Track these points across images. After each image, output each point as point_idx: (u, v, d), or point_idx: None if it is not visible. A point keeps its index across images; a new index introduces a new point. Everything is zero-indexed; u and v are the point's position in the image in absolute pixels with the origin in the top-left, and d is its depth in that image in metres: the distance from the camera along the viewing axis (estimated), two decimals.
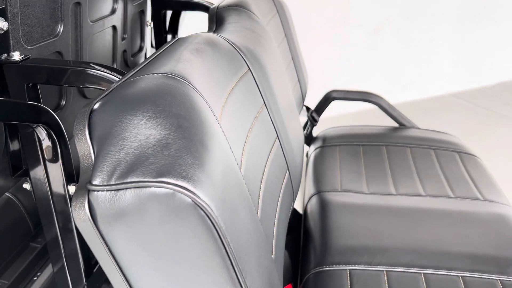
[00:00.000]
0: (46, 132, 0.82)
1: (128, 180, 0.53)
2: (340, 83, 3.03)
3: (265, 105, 1.00)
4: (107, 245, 0.55)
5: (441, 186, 1.43)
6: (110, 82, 0.77)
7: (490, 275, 1.09)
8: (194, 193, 0.52)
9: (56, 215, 0.92)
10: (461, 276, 1.09)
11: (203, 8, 1.48)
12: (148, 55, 1.57)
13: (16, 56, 0.80)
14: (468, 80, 4.23)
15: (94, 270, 1.03)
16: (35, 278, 1.14)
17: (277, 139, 1.04)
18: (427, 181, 1.45)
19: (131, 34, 1.39)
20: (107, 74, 0.77)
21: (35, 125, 0.80)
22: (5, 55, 0.81)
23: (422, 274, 1.09)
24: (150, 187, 0.52)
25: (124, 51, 1.34)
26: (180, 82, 0.65)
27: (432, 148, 1.63)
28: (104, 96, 0.61)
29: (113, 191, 0.53)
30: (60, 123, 0.83)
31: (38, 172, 0.87)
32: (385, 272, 1.10)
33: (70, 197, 0.91)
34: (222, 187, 0.59)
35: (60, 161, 0.85)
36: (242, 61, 0.95)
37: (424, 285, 1.06)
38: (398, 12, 3.67)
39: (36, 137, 0.84)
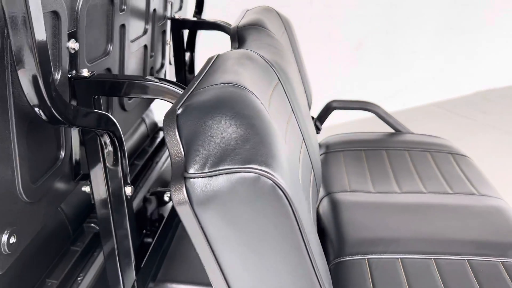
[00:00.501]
0: (110, 139, 0.93)
1: (220, 167, 0.65)
2: (327, 95, 3.19)
3: (293, 112, 1.14)
4: (199, 223, 0.67)
5: (440, 184, 1.58)
6: (175, 94, 0.89)
7: (492, 258, 1.23)
8: (274, 177, 0.65)
9: (113, 214, 1.02)
10: (467, 260, 1.22)
11: (218, 27, 1.62)
12: (167, 72, 1.69)
13: (85, 72, 0.92)
14: (447, 90, 4.45)
15: (141, 265, 1.13)
16: (79, 279, 1.23)
17: (303, 142, 1.17)
18: (427, 180, 1.60)
19: (155, 52, 1.51)
20: (173, 88, 0.89)
21: (102, 132, 0.92)
22: (74, 72, 0.92)
23: (432, 259, 1.23)
24: (239, 172, 0.64)
25: (151, 67, 1.46)
26: (243, 89, 0.78)
27: (428, 150, 1.79)
28: (182, 104, 0.73)
29: (207, 177, 0.65)
30: (121, 132, 0.95)
31: (98, 175, 0.98)
32: (399, 259, 1.23)
33: (127, 198, 1.02)
34: (289, 174, 0.71)
35: (119, 165, 0.96)
36: (274, 73, 1.09)
37: (436, 269, 1.20)
38: (380, 27, 3.88)
39: (99, 144, 0.95)
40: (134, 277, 1.09)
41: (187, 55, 1.64)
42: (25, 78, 0.69)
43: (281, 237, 0.67)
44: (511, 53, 4.82)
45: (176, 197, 0.66)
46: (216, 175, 0.65)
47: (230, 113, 0.70)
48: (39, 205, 0.85)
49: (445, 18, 4.30)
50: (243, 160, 0.65)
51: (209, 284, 0.75)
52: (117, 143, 0.94)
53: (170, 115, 0.72)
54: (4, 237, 0.75)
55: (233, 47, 1.31)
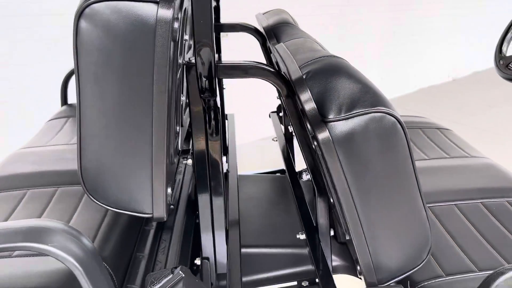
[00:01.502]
0: (214, 114, 1.09)
1: (354, 111, 0.86)
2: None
3: None
4: (338, 159, 0.87)
5: (437, 151, 1.86)
6: (269, 73, 1.07)
7: (498, 199, 1.51)
8: (395, 115, 0.86)
9: (210, 185, 1.16)
10: (480, 202, 1.49)
11: (243, 28, 1.81)
12: None
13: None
14: (394, 89, 4.89)
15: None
16: (159, 252, 1.37)
17: None
18: (426, 150, 1.88)
19: None
20: (268, 68, 1.07)
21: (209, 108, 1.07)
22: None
23: (454, 205, 1.49)
24: (370, 113, 0.85)
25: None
26: (342, 59, 0.99)
27: (419, 127, 2.08)
28: (304, 72, 0.93)
29: (344, 120, 0.85)
30: (219, 107, 1.12)
31: (201, 148, 1.11)
32: (429, 207, 1.48)
33: (223, 170, 1.18)
34: None
35: (220, 136, 1.12)
36: None
37: (459, 212, 1.45)
38: (328, 32, 4.22)
39: (203, 120, 1.09)
40: (225, 245, 1.24)
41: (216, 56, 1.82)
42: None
43: (399, 165, 0.89)
44: (447, 53, 5.38)
45: (321, 137, 0.85)
46: (351, 117, 0.85)
47: (347, 73, 0.91)
48: (172, 167, 1.00)
49: (388, 24, 4.75)
50: (370, 104, 0.86)
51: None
52: (219, 117, 1.10)
53: (299, 81, 0.91)
54: (169, 190, 0.90)
55: (271, 43, 1.51)
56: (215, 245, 1.23)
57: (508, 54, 1.88)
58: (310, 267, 1.40)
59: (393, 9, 4.78)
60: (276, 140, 1.91)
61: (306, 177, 1.54)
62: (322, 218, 1.24)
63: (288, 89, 1.11)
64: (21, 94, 3.29)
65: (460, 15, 5.38)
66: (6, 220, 1.24)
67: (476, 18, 5.56)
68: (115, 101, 0.80)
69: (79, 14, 0.75)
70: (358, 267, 1.01)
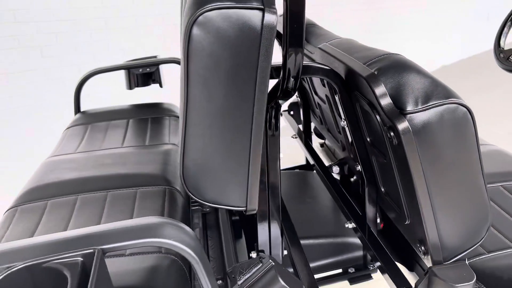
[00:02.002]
0: (275, 112, 1.15)
1: (430, 103, 0.94)
2: None
3: None
4: (416, 146, 0.95)
5: None
6: (331, 72, 1.15)
7: (497, 184, 1.64)
8: (466, 106, 0.95)
9: (268, 180, 1.22)
10: (500, 185, 1.61)
11: None
12: None
13: None
14: None
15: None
16: (209, 249, 1.42)
17: None
18: None
19: None
20: (323, 67, 1.15)
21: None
22: None
23: None
24: (444, 104, 0.94)
25: None
26: (401, 55, 1.07)
27: None
28: (377, 68, 1.01)
29: (421, 111, 0.94)
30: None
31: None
32: None
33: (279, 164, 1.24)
34: None
35: (279, 133, 1.18)
36: None
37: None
38: None
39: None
40: (280, 238, 1.30)
41: None
42: None
43: (468, 150, 0.98)
44: (419, 48, 5.61)
45: (401, 127, 0.93)
46: (428, 108, 0.94)
47: (415, 69, 0.99)
48: None
49: (362, 23, 4.93)
50: (444, 96, 0.95)
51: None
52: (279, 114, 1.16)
53: (372, 77, 0.99)
54: None
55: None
56: (270, 238, 1.29)
57: (506, 48, 2.02)
58: (355, 254, 1.48)
59: (368, 7, 4.96)
60: (296, 137, 1.98)
61: (336, 170, 1.62)
62: (370, 207, 1.33)
63: (343, 85, 1.19)
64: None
65: (427, 12, 5.64)
66: (67, 226, 1.26)
67: (438, 15, 5.83)
68: (221, 103, 0.85)
69: (193, 22, 0.80)
70: (423, 248, 1.10)
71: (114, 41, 4.07)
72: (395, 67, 1.00)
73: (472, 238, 1.08)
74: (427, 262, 1.11)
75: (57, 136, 2.50)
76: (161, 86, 2.25)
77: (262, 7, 0.81)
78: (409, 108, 0.94)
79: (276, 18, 0.82)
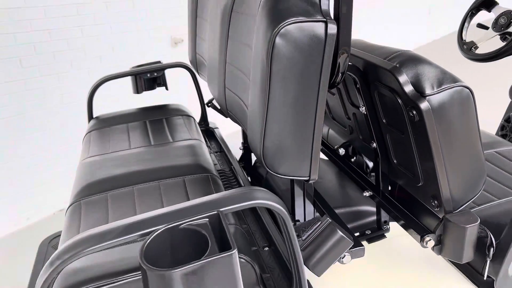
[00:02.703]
0: None
1: (443, 87, 1.23)
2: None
3: None
4: (434, 122, 1.23)
5: None
6: (355, 67, 1.42)
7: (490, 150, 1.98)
8: (469, 88, 1.25)
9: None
10: (494, 151, 1.95)
11: None
12: None
13: None
14: None
15: None
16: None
17: None
18: None
19: None
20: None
21: None
22: None
23: None
24: (454, 87, 1.23)
25: None
26: (414, 52, 1.36)
27: None
28: (398, 62, 1.29)
29: (437, 94, 1.22)
30: None
31: None
32: None
33: None
34: None
35: None
36: None
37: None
38: None
39: None
40: (313, 208, 1.55)
41: None
42: None
43: (470, 123, 1.28)
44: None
45: (423, 107, 1.21)
46: (442, 91, 1.23)
47: (426, 62, 1.28)
48: None
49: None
50: (452, 81, 1.24)
51: None
52: None
53: (395, 69, 1.27)
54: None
55: None
56: (305, 209, 1.55)
57: (468, 40, 2.38)
58: (369, 219, 1.76)
59: None
60: None
61: (342, 152, 1.90)
62: (384, 176, 1.61)
63: (361, 76, 1.46)
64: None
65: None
66: (135, 211, 1.46)
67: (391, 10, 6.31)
68: (294, 94, 1.10)
69: (277, 33, 1.04)
70: (436, 202, 1.39)
71: (90, 48, 4.18)
72: (411, 60, 1.28)
73: (473, 191, 1.39)
74: (439, 213, 1.40)
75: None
76: (167, 89, 2.44)
77: (325, 20, 1.07)
78: (428, 91, 1.23)
79: (335, 27, 1.07)
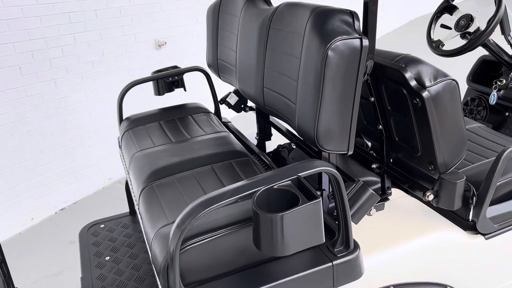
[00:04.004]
0: None
1: (438, 80, 1.69)
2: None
3: None
4: (432, 106, 1.69)
5: None
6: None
7: None
8: (455, 80, 1.72)
9: None
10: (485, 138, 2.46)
11: None
12: None
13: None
14: None
15: None
16: None
17: None
18: None
19: None
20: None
21: None
22: None
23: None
24: (445, 80, 1.70)
25: None
26: (412, 55, 1.81)
27: None
28: (403, 63, 1.74)
29: (434, 85, 1.69)
30: None
31: None
32: None
33: None
34: None
35: None
36: None
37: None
38: None
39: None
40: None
41: None
42: None
43: (456, 107, 1.74)
44: None
45: (425, 96, 1.67)
46: (437, 83, 1.69)
47: (423, 62, 1.74)
48: None
49: None
50: (443, 75, 1.70)
51: None
52: None
53: (402, 69, 1.71)
54: None
55: None
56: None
57: (435, 38, 2.90)
58: (374, 187, 2.22)
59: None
60: None
61: None
62: (388, 151, 2.07)
63: (371, 75, 1.91)
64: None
65: None
66: (202, 190, 1.84)
67: None
68: (340, 90, 1.52)
69: (329, 48, 1.46)
70: (432, 166, 1.85)
71: (82, 54, 4.44)
72: (413, 62, 1.74)
73: (459, 155, 1.87)
74: (435, 174, 1.87)
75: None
76: (185, 90, 2.80)
77: (360, 36, 1.50)
78: (427, 84, 1.69)
79: (367, 41, 1.51)
